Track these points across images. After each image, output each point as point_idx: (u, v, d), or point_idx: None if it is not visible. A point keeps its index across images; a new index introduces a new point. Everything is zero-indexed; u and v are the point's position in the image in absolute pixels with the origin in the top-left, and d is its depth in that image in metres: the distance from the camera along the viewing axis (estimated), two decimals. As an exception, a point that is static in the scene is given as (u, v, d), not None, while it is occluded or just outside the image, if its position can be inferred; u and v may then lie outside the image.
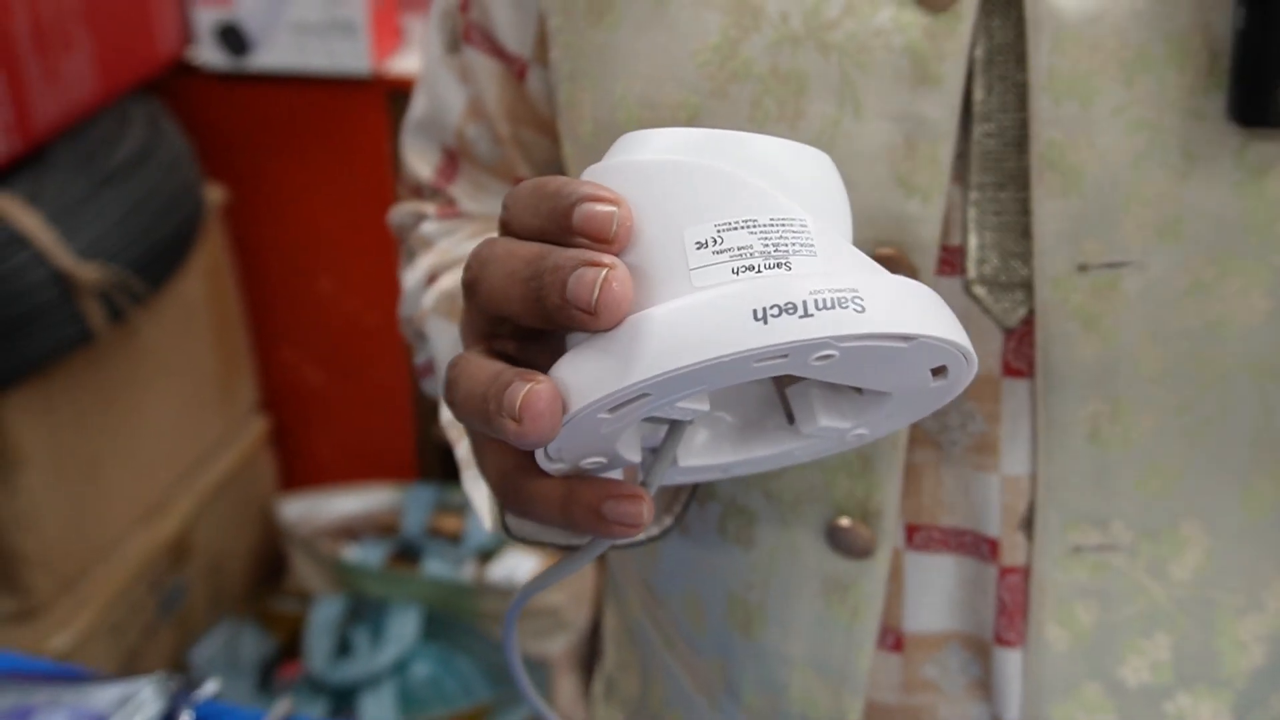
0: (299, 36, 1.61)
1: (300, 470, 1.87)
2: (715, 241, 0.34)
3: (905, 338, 0.33)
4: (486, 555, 1.66)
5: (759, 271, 0.33)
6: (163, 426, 1.60)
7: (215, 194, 1.64)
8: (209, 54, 1.63)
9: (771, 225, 0.34)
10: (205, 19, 1.62)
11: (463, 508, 1.71)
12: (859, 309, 0.32)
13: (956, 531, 0.52)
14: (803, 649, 0.55)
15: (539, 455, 0.37)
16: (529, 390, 0.34)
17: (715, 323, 0.32)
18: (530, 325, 0.37)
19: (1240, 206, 0.44)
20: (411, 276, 0.64)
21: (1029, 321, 0.47)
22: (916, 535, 0.53)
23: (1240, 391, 0.47)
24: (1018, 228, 0.47)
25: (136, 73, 1.52)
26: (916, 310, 0.34)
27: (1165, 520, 0.50)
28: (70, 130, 1.39)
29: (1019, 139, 0.46)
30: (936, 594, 0.53)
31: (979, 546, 0.52)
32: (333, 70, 1.62)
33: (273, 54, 1.62)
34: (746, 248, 0.34)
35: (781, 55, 0.47)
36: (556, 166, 0.60)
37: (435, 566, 1.64)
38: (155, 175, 1.42)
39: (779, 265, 0.33)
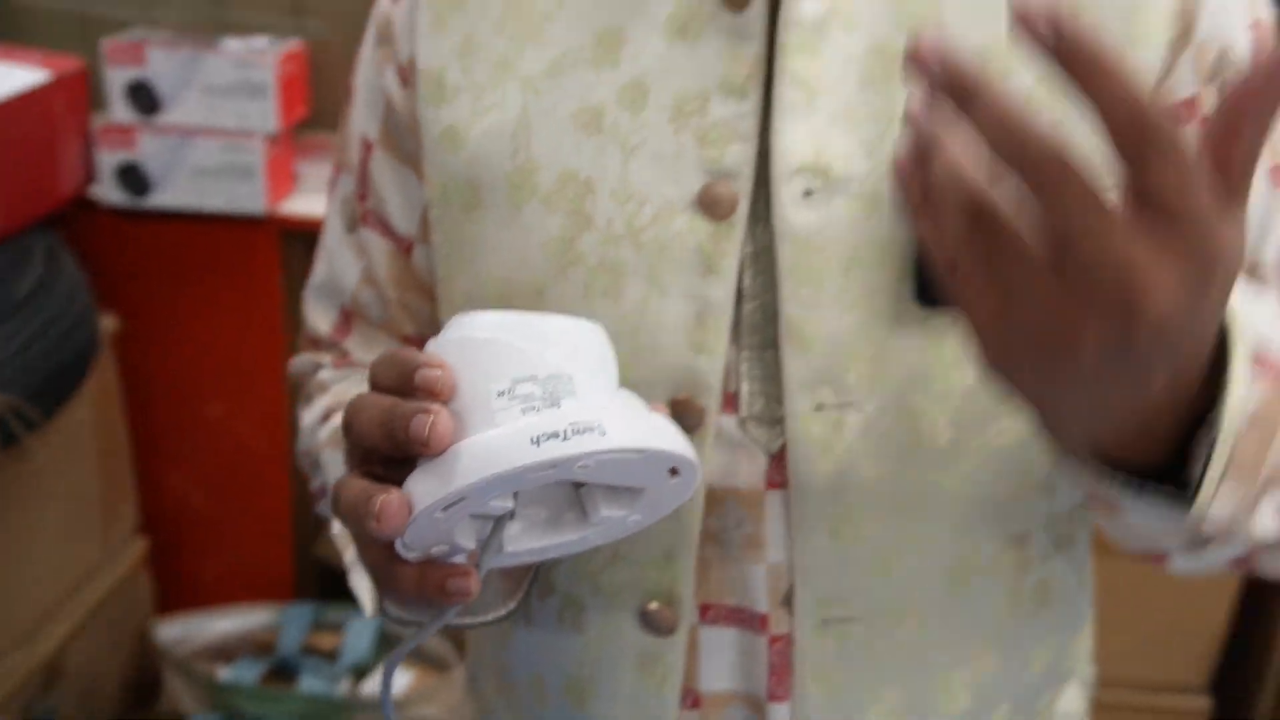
0: (198, 179, 1.72)
1: (180, 592, 1.91)
2: (509, 392, 0.49)
3: (637, 451, 0.48)
4: (361, 672, 1.72)
5: (538, 411, 0.48)
6: (44, 549, 1.64)
7: (109, 324, 1.72)
8: (110, 193, 1.73)
9: (548, 379, 0.49)
10: (108, 160, 1.72)
11: (339, 625, 1.78)
12: (602, 433, 0.47)
13: (736, 609, 0.66)
14: (625, 713, 0.69)
15: (398, 545, 0.51)
16: (383, 499, 0.49)
17: (506, 447, 0.47)
18: (389, 454, 0.51)
19: (928, 362, 0.60)
20: (309, 415, 0.77)
21: (784, 448, 0.62)
22: (708, 613, 0.67)
23: (939, 500, 0.62)
24: (775, 379, 0.62)
25: (39, 209, 1.62)
26: (645, 431, 0.49)
27: (891, 599, 0.65)
28: (-27, 262, 1.47)
29: (774, 314, 0.62)
30: (723, 660, 0.67)
31: (753, 621, 0.66)
32: (229, 210, 1.73)
33: (172, 194, 1.73)
34: (530, 395, 0.49)
35: (607, 249, 0.63)
36: (435, 325, 0.73)
37: (311, 683, 1.70)
38: (53, 307, 1.50)
39: (552, 406, 0.49)
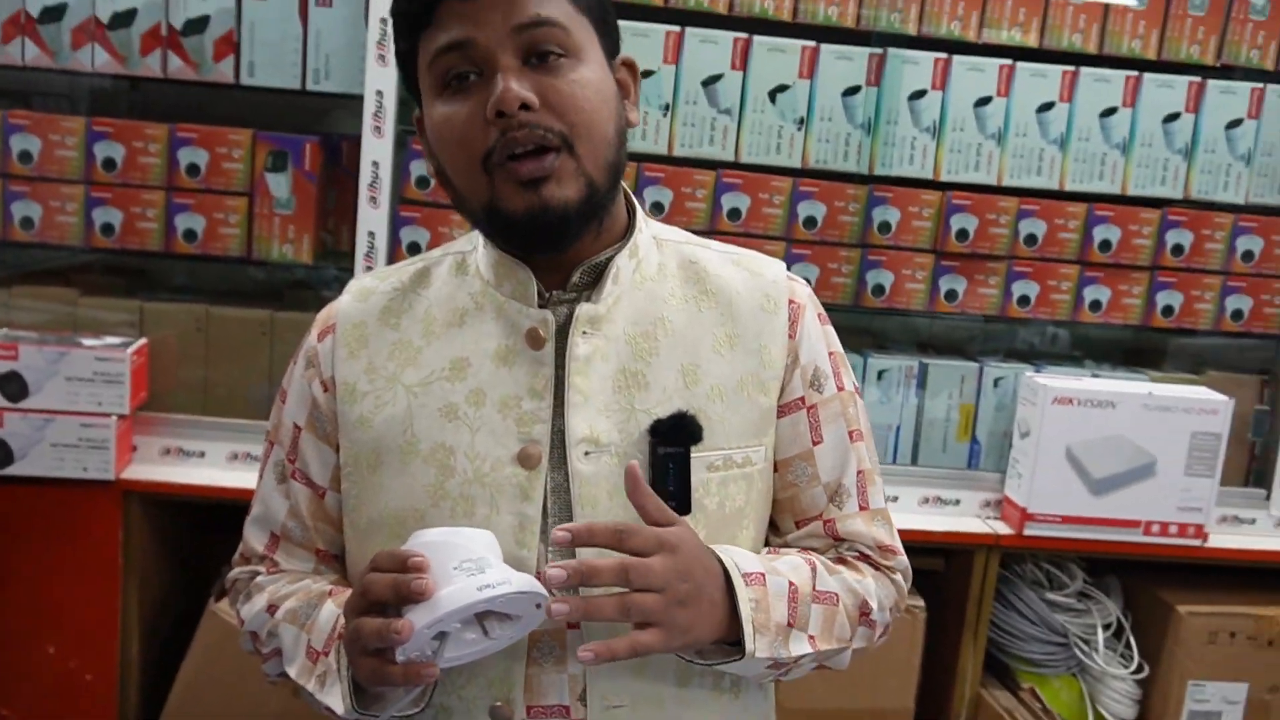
0: (56, 450, 2.08)
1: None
2: (459, 566, 0.96)
3: (526, 592, 0.96)
4: None
5: (475, 574, 0.96)
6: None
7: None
8: (-24, 463, 2.06)
9: (478, 559, 0.97)
10: (-25, 436, 2.06)
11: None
12: (509, 584, 0.96)
13: (547, 706, 1.11)
14: None
15: (398, 653, 0.96)
16: (400, 623, 0.95)
17: (465, 591, 0.94)
18: (392, 604, 0.96)
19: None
20: (252, 607, 1.22)
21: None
22: (531, 709, 1.11)
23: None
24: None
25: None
26: (529, 581, 0.97)
27: (645, 691, 1.12)
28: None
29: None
30: None
31: (562, 711, 1.11)
32: (81, 477, 2.08)
33: (32, 465, 2.07)
34: (470, 567, 0.96)
35: (464, 488, 1.11)
36: (339, 542, 1.19)
37: None
38: (-59, 558, 1.81)
39: (482, 572, 0.96)
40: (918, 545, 2.28)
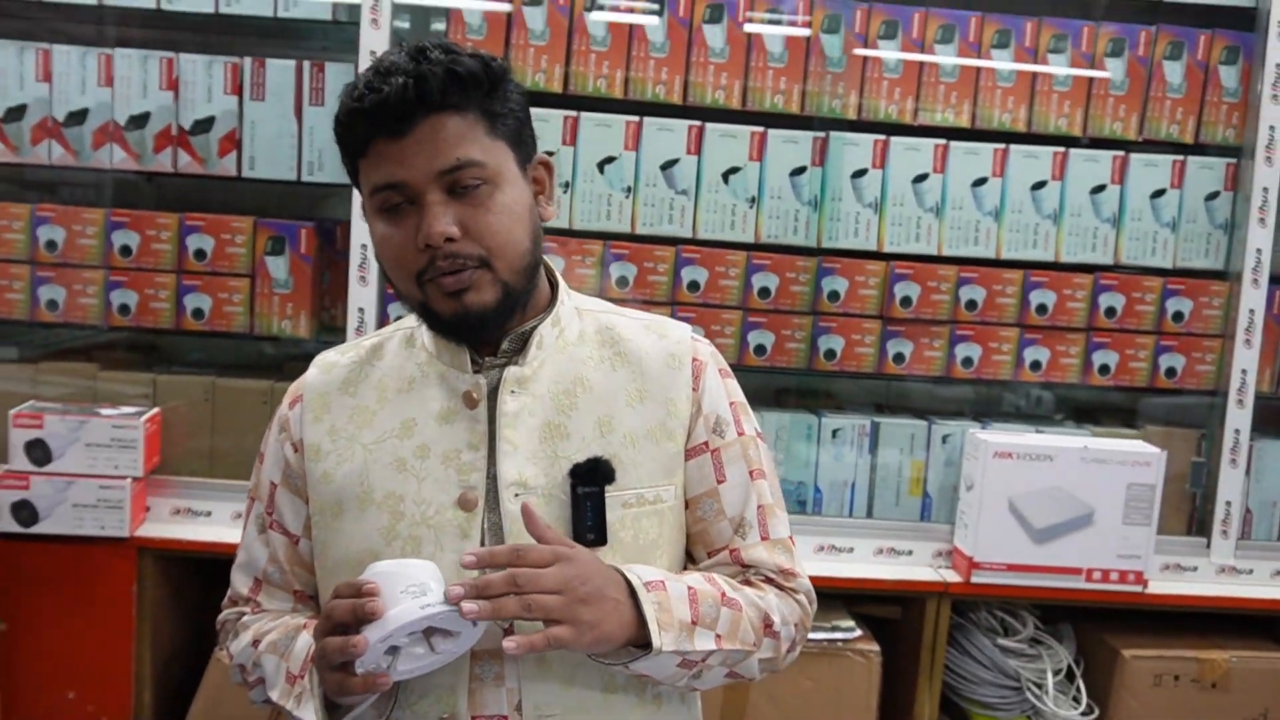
0: (77, 510, 2.29)
1: None
2: (406, 590, 1.15)
3: (456, 612, 1.15)
4: None
5: (419, 597, 1.15)
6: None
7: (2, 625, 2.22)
8: (4, 523, 2.28)
9: (421, 584, 1.16)
10: (4, 498, 2.28)
11: None
12: (445, 604, 1.15)
13: (488, 716, 1.28)
14: None
15: (356, 665, 1.16)
16: (357, 639, 1.14)
17: (410, 611, 1.14)
18: (350, 625, 1.15)
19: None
20: (239, 643, 1.41)
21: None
22: (476, 719, 1.28)
23: (593, 666, 1.28)
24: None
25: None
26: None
27: (574, 703, 1.29)
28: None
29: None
30: None
31: None
32: (99, 534, 2.30)
33: (56, 524, 2.29)
34: (414, 591, 1.15)
35: (412, 529, 1.30)
36: (313, 583, 1.40)
37: None
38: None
39: (424, 595, 1.15)
40: (873, 593, 2.46)
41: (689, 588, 1.28)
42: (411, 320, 1.43)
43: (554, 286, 1.41)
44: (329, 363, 1.43)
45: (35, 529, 2.28)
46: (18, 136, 2.47)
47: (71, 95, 2.47)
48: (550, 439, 1.32)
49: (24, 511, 2.29)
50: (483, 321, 1.29)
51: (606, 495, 1.31)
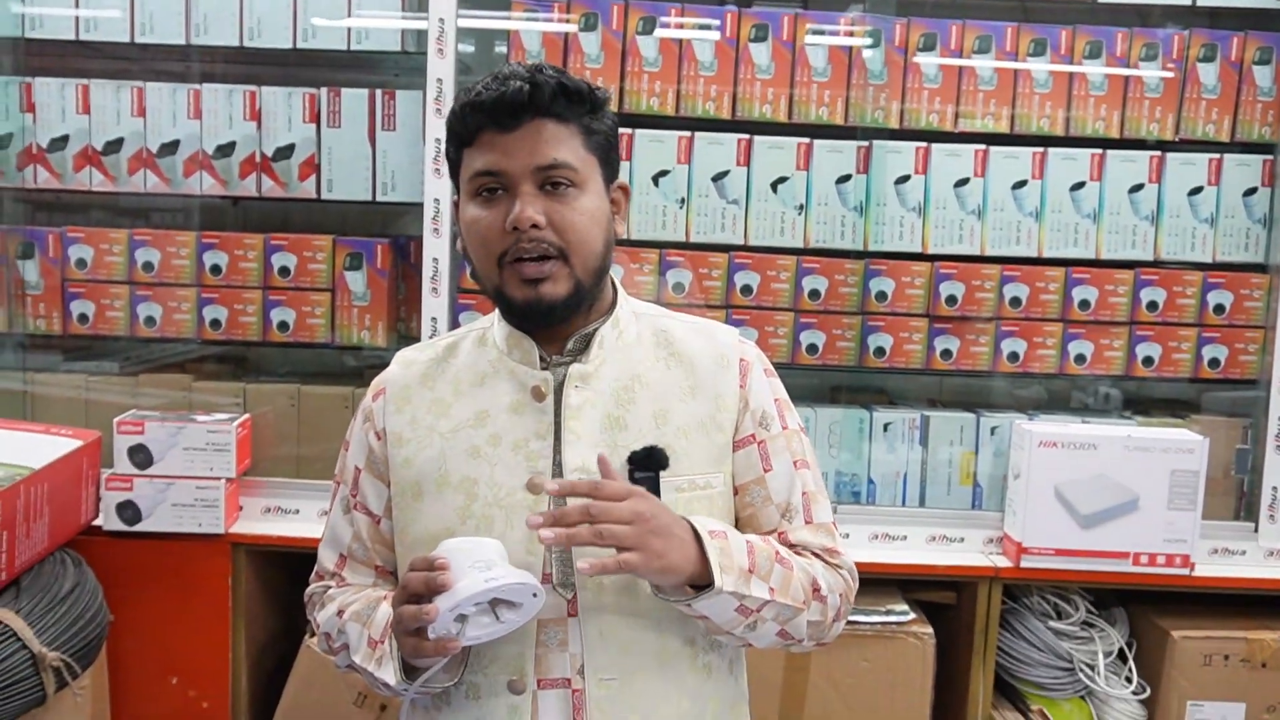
0: (176, 510, 2.47)
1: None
2: (473, 565, 1.29)
3: (523, 583, 1.30)
4: None
5: (485, 570, 1.29)
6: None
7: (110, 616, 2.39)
8: (111, 522, 2.46)
9: (487, 560, 1.30)
10: (110, 498, 2.46)
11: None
12: (508, 577, 1.29)
13: (555, 679, 1.41)
14: None
15: (429, 630, 1.29)
16: (430, 607, 1.28)
17: (478, 583, 1.28)
18: (424, 595, 1.29)
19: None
20: (325, 613, 1.54)
21: (575, 597, 1.40)
22: (541, 682, 1.41)
23: (648, 619, 1.41)
24: (569, 563, 1.41)
25: (69, 533, 2.34)
26: (519, 576, 1.31)
27: (631, 667, 1.41)
28: (32, 568, 2.18)
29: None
30: (551, 706, 1.41)
31: (564, 683, 1.41)
32: (197, 532, 2.47)
33: (157, 523, 2.46)
34: (481, 565, 1.29)
35: (485, 510, 1.44)
36: (393, 559, 1.54)
37: None
38: (85, 599, 2.20)
39: (490, 569, 1.29)
40: (927, 578, 2.57)
41: (747, 541, 1.40)
42: (484, 322, 1.57)
43: (615, 293, 1.54)
44: (409, 359, 1.58)
45: (138, 527, 2.45)
46: (116, 168, 2.67)
47: (164, 128, 2.66)
48: (610, 429, 1.45)
49: (128, 511, 2.46)
50: (552, 311, 1.42)
51: (661, 480, 1.43)
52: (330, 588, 1.58)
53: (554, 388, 1.47)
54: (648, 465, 1.43)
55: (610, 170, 1.48)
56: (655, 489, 1.42)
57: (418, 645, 1.32)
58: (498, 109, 1.39)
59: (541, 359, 1.49)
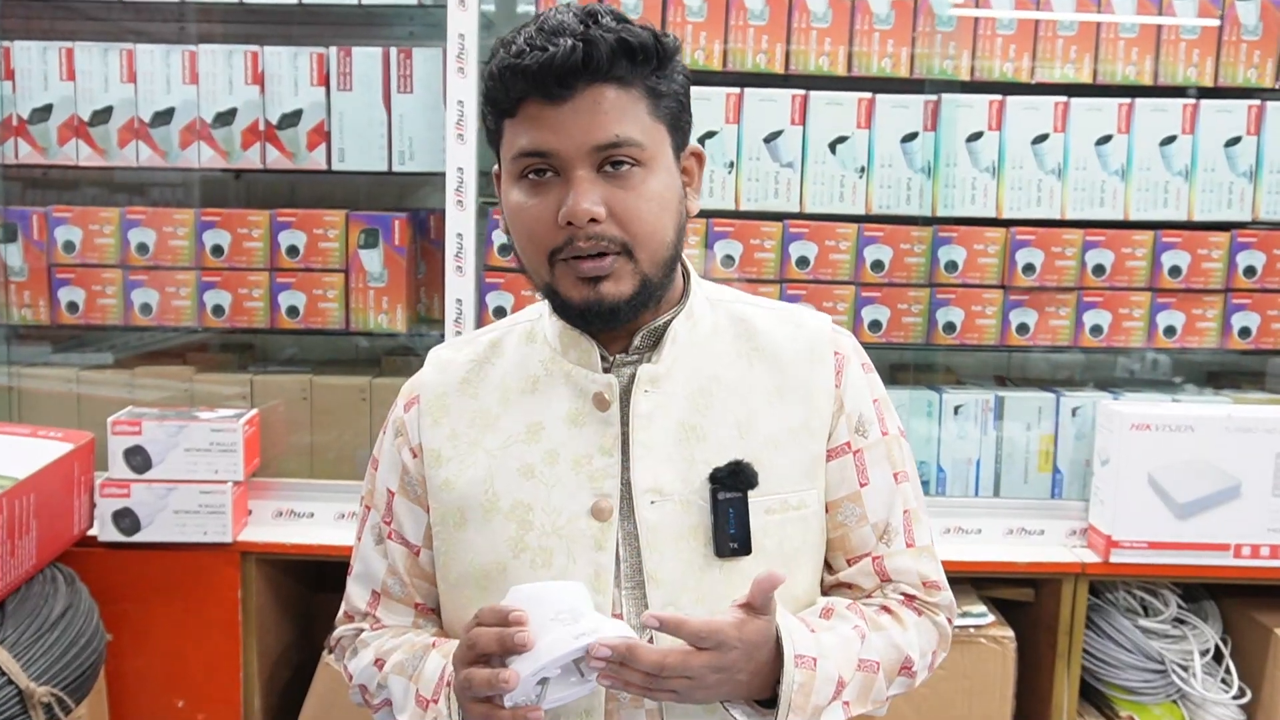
0: (179, 517, 2.24)
1: None
2: (555, 618, 1.06)
3: (616, 639, 1.06)
4: None
5: (570, 624, 1.06)
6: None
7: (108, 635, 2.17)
8: (107, 532, 2.23)
9: (570, 609, 1.08)
10: (106, 506, 2.23)
11: None
12: (599, 631, 1.07)
13: None
14: None
15: (506, 699, 1.07)
16: (507, 673, 1.05)
17: (563, 641, 1.06)
18: (496, 655, 1.07)
19: (721, 594, 1.17)
20: (359, 662, 1.32)
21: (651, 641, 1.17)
22: None
23: None
24: (643, 604, 1.19)
25: (60, 546, 2.11)
26: (612, 629, 1.07)
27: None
28: (18, 590, 1.95)
29: (638, 568, 1.19)
30: None
31: None
32: (202, 541, 2.24)
33: (158, 531, 2.24)
34: (564, 617, 1.06)
35: (542, 540, 1.21)
36: (434, 595, 1.31)
37: None
38: (79, 623, 1.97)
39: (575, 622, 1.07)
40: (1005, 576, 2.34)
41: (839, 677, 1.18)
42: (530, 314, 1.34)
43: (686, 277, 1.31)
44: (445, 360, 1.35)
45: (137, 537, 2.24)
46: (105, 139, 2.43)
47: (157, 95, 2.41)
48: (686, 441, 1.23)
49: (126, 520, 2.24)
50: (614, 313, 1.19)
51: (749, 501, 1.22)
52: (363, 630, 1.36)
53: (619, 394, 1.24)
54: (734, 484, 1.22)
55: (681, 137, 1.23)
56: (743, 512, 1.21)
57: (490, 714, 1.10)
58: (544, 76, 1.13)
59: (603, 359, 1.26)
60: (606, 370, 1.26)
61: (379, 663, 1.30)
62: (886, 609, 1.29)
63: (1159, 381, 2.61)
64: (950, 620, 1.33)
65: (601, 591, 1.19)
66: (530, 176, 1.18)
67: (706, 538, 1.21)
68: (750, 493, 1.22)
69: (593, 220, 1.14)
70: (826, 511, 1.30)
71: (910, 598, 1.30)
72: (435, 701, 1.21)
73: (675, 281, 1.28)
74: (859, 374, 1.32)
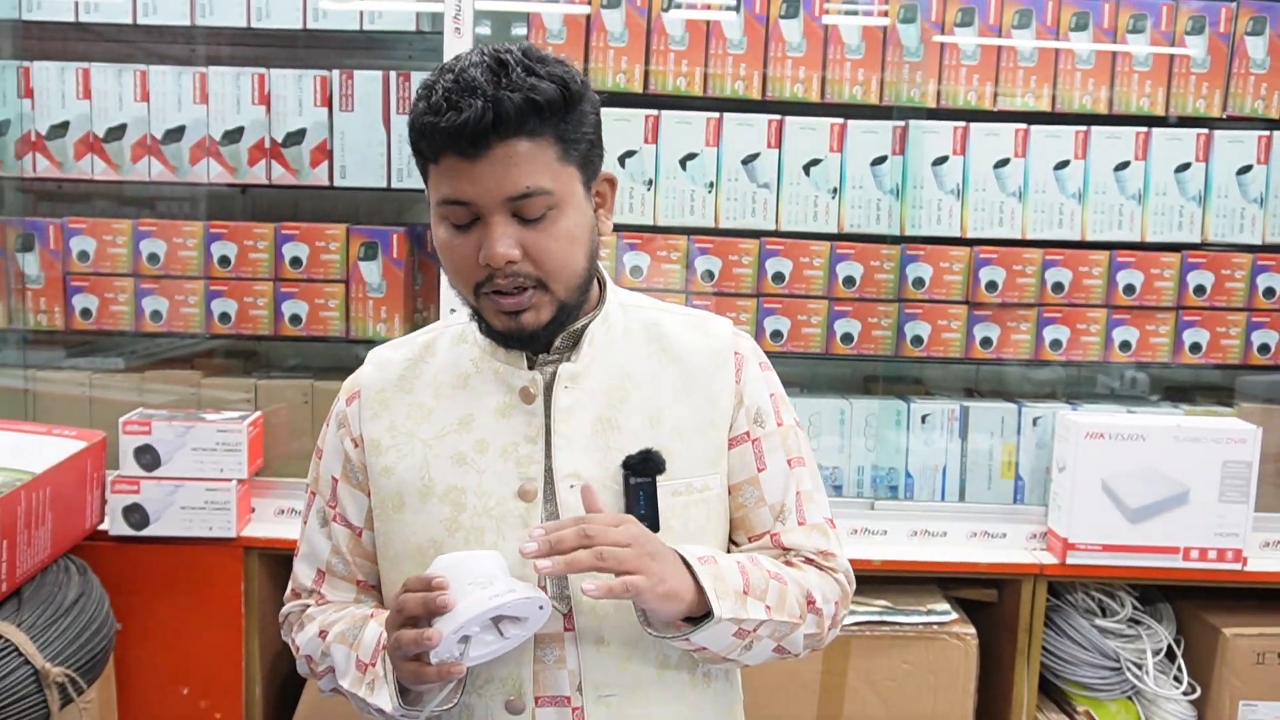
0: (185, 513, 2.36)
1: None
2: (474, 582, 1.20)
3: (529, 598, 1.21)
4: None
5: (486, 587, 1.19)
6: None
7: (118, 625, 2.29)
8: (118, 526, 2.35)
9: (487, 575, 1.21)
10: (116, 502, 2.35)
11: None
12: (513, 591, 1.20)
13: (554, 696, 1.33)
14: None
15: (431, 655, 1.20)
16: (431, 631, 1.18)
17: (480, 602, 1.19)
18: (421, 617, 1.20)
19: None
20: (305, 634, 1.45)
21: (570, 612, 1.32)
22: (539, 700, 1.33)
23: (646, 636, 1.31)
24: (564, 578, 1.32)
25: (73, 539, 2.23)
26: (530, 588, 1.21)
27: (629, 682, 1.34)
28: (34, 578, 2.07)
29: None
30: None
31: (562, 701, 1.33)
32: (207, 535, 2.36)
33: (165, 526, 2.36)
34: (481, 582, 1.20)
35: (474, 520, 1.34)
36: (375, 573, 1.45)
37: None
38: (91, 610, 2.10)
39: (491, 585, 1.20)
40: (969, 576, 2.47)
41: (737, 562, 1.33)
42: (460, 318, 1.47)
43: (601, 286, 1.45)
44: (384, 359, 1.48)
45: (146, 531, 2.36)
46: (119, 155, 2.56)
47: (168, 113, 2.55)
48: (603, 432, 1.37)
49: (135, 515, 2.36)
50: (534, 337, 1.34)
51: (658, 485, 1.35)
52: (309, 606, 1.49)
53: (543, 388, 1.38)
54: (644, 470, 1.35)
55: (591, 170, 1.34)
56: (652, 495, 1.34)
57: (419, 671, 1.23)
58: (458, 136, 1.23)
59: (527, 357, 1.40)
60: (531, 367, 1.39)
61: (323, 634, 1.42)
62: (788, 563, 1.42)
63: (1127, 396, 2.75)
64: (850, 583, 1.46)
65: (527, 565, 1.29)
66: (452, 220, 1.30)
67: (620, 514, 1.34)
68: (659, 477, 1.35)
69: (510, 261, 1.27)
70: (730, 494, 1.43)
71: (809, 560, 1.43)
72: (373, 665, 1.33)
73: (591, 290, 1.41)
74: (757, 372, 1.45)
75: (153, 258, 2.57)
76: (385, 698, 1.30)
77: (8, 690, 1.87)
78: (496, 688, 1.34)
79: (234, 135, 2.55)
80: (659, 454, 1.35)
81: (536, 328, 1.32)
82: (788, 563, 1.42)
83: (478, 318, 1.36)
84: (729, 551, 1.45)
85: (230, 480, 2.37)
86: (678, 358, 1.42)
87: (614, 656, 1.34)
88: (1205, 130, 2.51)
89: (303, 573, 1.50)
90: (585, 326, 1.40)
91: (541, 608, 1.24)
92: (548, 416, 1.37)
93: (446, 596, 1.19)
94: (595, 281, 1.43)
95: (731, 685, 1.48)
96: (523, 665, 1.33)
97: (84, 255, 2.58)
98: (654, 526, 1.34)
